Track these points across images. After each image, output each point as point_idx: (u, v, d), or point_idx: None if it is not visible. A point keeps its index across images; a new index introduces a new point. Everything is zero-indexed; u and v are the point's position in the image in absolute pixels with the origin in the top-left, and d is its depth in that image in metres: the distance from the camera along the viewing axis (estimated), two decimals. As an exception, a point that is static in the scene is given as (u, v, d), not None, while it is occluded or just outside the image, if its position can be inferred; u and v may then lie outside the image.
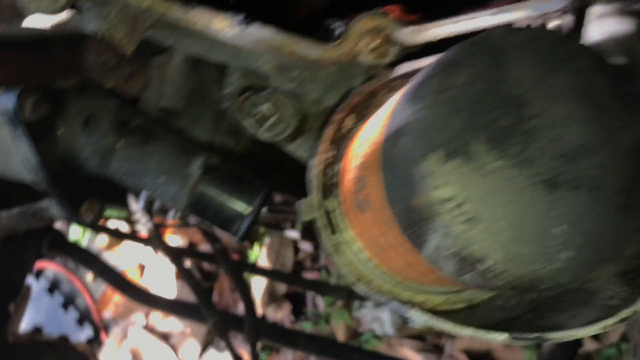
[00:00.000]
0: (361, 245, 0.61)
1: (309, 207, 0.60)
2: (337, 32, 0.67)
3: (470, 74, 0.41)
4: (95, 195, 0.82)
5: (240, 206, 0.77)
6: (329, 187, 0.62)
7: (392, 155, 0.44)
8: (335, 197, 0.62)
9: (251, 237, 3.10)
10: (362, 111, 0.63)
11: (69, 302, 3.24)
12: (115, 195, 0.86)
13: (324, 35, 0.67)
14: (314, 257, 3.00)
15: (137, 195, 1.17)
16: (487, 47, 0.42)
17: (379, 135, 0.48)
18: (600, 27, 0.71)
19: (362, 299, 2.00)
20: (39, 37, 0.47)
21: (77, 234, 3.22)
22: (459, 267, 0.42)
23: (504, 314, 0.59)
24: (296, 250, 3.03)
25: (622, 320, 0.49)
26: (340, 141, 0.63)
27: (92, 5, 0.61)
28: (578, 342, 0.94)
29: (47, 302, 3.19)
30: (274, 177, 0.88)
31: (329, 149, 0.62)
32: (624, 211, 0.40)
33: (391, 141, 0.44)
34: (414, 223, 0.43)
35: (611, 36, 0.70)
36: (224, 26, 0.61)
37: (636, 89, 0.43)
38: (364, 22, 0.63)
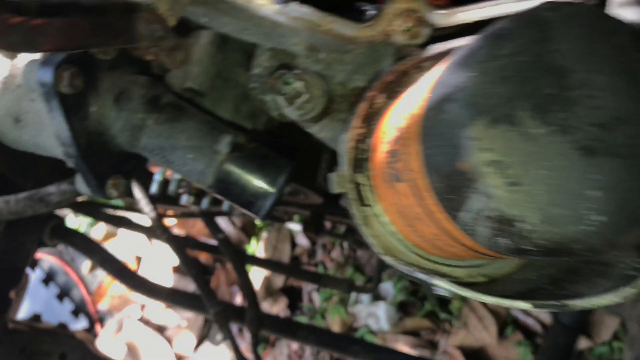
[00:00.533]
0: (389, 219, 0.64)
1: (340, 180, 0.62)
2: (368, 14, 0.69)
3: (517, 45, 0.44)
4: (121, 172, 0.84)
5: (265, 185, 0.79)
6: (360, 162, 0.65)
7: (436, 122, 0.47)
8: (365, 171, 0.64)
9: (249, 231, 3.11)
10: (394, 90, 0.65)
11: (64, 293, 3.23)
12: (138, 173, 0.87)
13: (355, 17, 0.70)
14: (311, 253, 3.03)
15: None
16: (534, 21, 0.44)
17: (419, 107, 0.51)
18: (625, 15, 0.74)
19: (362, 291, 2.01)
20: (97, 4, 0.49)
21: (74, 224, 3.22)
22: (495, 230, 0.45)
23: (524, 286, 0.62)
24: (293, 245, 3.05)
25: (641, 290, 0.52)
26: (371, 118, 0.66)
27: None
28: (580, 329, 0.97)
29: (42, 293, 3.18)
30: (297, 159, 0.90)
31: (361, 125, 0.65)
32: (658, 179, 0.43)
33: (436, 108, 0.47)
34: (455, 188, 0.46)
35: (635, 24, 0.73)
36: (265, 1, 0.63)
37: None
38: (398, 4, 0.66)
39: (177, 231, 3.10)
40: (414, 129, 0.51)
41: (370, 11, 0.69)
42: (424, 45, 0.67)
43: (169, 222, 3.02)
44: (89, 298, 3.17)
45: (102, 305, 3.12)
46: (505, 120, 0.42)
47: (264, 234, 3.05)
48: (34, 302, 3.13)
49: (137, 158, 0.85)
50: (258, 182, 0.79)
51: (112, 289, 3.15)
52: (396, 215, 0.62)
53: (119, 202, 2.12)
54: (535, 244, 0.44)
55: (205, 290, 1.81)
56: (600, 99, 0.43)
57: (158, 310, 3.05)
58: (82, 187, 0.83)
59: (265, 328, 1.87)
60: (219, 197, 0.81)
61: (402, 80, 0.65)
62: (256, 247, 3.03)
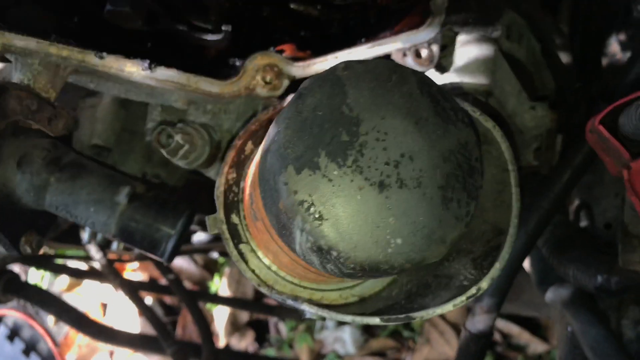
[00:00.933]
0: (262, 253, 0.71)
1: (213, 222, 0.69)
2: (236, 69, 0.77)
3: (315, 101, 0.51)
4: (33, 228, 0.89)
5: (165, 228, 0.85)
6: (234, 204, 0.72)
7: (262, 170, 0.54)
8: (239, 212, 0.71)
9: (211, 268, 3.15)
10: (259, 137, 0.73)
11: (30, 348, 3.20)
12: (51, 226, 0.93)
13: (230, 72, 0.78)
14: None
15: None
16: (330, 79, 0.52)
17: (257, 158, 0.58)
18: (466, 52, 0.83)
19: (314, 318, 2.07)
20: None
21: (36, 278, 3.22)
22: (319, 258, 0.52)
23: (385, 303, 0.69)
24: (256, 278, 3.08)
25: (468, 298, 0.59)
26: (242, 164, 0.73)
27: (18, 56, 0.70)
28: (488, 335, 1.04)
29: (7, 350, 3.15)
30: (203, 201, 0.97)
31: (231, 171, 0.72)
32: (443, 203, 0.51)
33: (262, 159, 0.54)
34: (283, 225, 0.53)
35: (474, 60, 0.82)
36: (134, 69, 0.70)
37: (451, 106, 0.54)
38: (258, 60, 0.74)
39: (140, 274, 3.11)
40: (256, 174, 0.58)
41: (240, 66, 0.77)
42: (284, 95, 0.75)
43: (132, 266, 3.04)
44: (56, 350, 3.15)
45: (70, 356, 3.10)
46: (307, 167, 0.50)
47: (227, 270, 3.08)
48: (-1, 360, 3.10)
49: (48, 214, 0.90)
50: (158, 227, 0.85)
51: (80, 338, 3.14)
52: (265, 250, 0.69)
53: (72, 251, 2.15)
54: (352, 267, 0.51)
55: (162, 331, 1.84)
56: (386, 141, 0.51)
57: (127, 356, 3.04)
58: (-4, 246, 0.88)
59: (223, 363, 1.91)
60: (125, 244, 0.87)
61: (267, 128, 0.73)
62: (219, 284, 3.07)
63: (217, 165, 0.83)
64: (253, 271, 0.70)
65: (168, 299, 3.16)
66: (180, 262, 3.09)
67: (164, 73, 0.71)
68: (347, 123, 0.51)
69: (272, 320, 2.98)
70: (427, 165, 0.51)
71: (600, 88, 1.03)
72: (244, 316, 2.99)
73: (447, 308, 0.60)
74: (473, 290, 0.59)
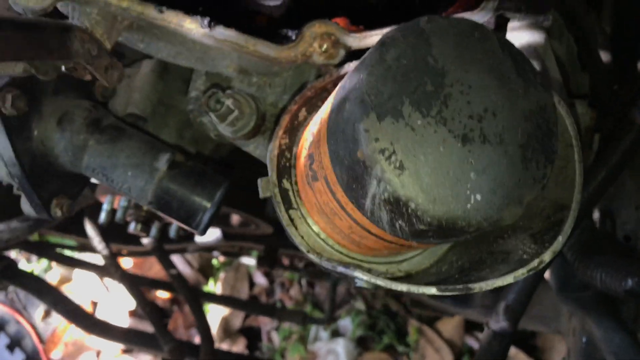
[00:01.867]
0: (313, 220, 0.69)
1: (266, 185, 0.68)
2: (290, 39, 0.76)
3: (400, 51, 0.51)
4: (65, 192, 0.88)
5: (202, 200, 0.84)
6: (286, 169, 0.70)
7: (337, 121, 0.53)
8: (291, 177, 0.70)
9: (206, 272, 3.11)
10: (313, 104, 0.72)
11: (15, 343, 3.13)
12: (81, 192, 0.91)
13: (281, 42, 0.77)
14: (269, 292, 3.03)
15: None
16: (415, 30, 0.52)
17: (326, 112, 0.57)
18: (517, 38, 0.84)
19: (316, 322, 2.04)
20: (34, 21, 0.54)
21: (27, 269, 3.16)
22: (392, 213, 0.51)
23: (436, 278, 0.67)
24: (251, 284, 3.06)
25: (529, 270, 0.58)
26: (295, 130, 0.72)
27: (76, 4, 0.69)
28: (511, 334, 1.03)
29: (-9, 344, 3.08)
30: (234, 178, 0.96)
31: (284, 136, 0.71)
32: (523, 163, 0.50)
33: (336, 109, 0.53)
34: (357, 177, 0.52)
35: (526, 46, 0.83)
36: (193, 26, 0.69)
37: (531, 69, 0.53)
38: (316, 27, 0.73)
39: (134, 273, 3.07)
40: (323, 131, 0.57)
41: (292, 37, 0.76)
42: (340, 64, 0.74)
43: (126, 264, 2.99)
44: (42, 347, 3.07)
45: (56, 354, 3.03)
46: (390, 114, 0.49)
47: (222, 274, 3.05)
48: (-18, 354, 3.02)
49: (81, 179, 0.89)
50: (195, 198, 0.83)
51: (67, 336, 3.07)
52: (318, 215, 0.67)
53: (71, 241, 2.11)
54: (427, 222, 0.50)
55: (160, 328, 1.81)
56: (470, 94, 0.50)
57: (114, 356, 2.98)
58: (26, 207, 0.86)
59: (220, 364, 1.87)
60: (159, 213, 0.85)
61: (321, 96, 0.72)
62: (214, 288, 3.03)
63: (259, 138, 0.82)
64: (302, 237, 0.68)
65: (160, 301, 3.11)
66: (175, 263, 3.05)
67: (222, 32, 0.70)
68: (432, 73, 0.50)
69: (265, 328, 2.94)
70: (510, 123, 0.50)
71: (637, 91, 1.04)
72: (237, 322, 2.95)
73: (508, 280, 0.58)
74: (535, 263, 0.58)
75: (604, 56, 0.99)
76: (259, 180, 0.68)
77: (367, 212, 0.53)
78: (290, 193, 0.70)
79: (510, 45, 0.54)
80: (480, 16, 0.79)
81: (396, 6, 0.83)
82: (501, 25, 0.86)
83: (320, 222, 0.67)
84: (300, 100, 0.71)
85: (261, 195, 0.68)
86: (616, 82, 1.00)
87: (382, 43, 0.51)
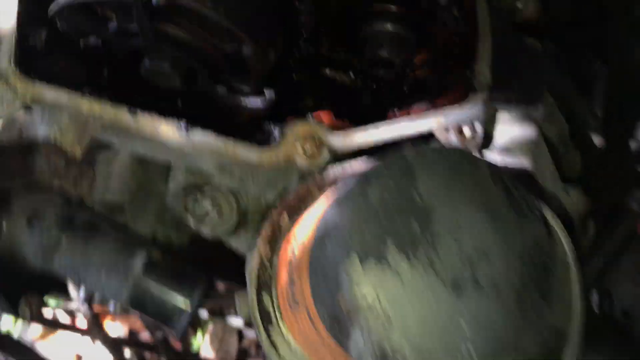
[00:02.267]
0: (294, 340, 0.64)
1: (244, 303, 0.63)
2: (275, 135, 0.73)
3: (385, 187, 0.47)
4: (34, 289, 0.83)
5: (181, 301, 0.79)
6: (266, 283, 0.66)
7: (318, 257, 0.49)
8: (272, 291, 0.66)
9: (194, 325, 3.03)
10: (296, 212, 0.68)
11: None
12: (55, 287, 0.86)
13: (264, 137, 0.74)
14: (259, 344, 2.95)
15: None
16: (401, 165, 0.48)
17: (308, 239, 0.54)
18: (508, 131, 0.81)
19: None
20: (-7, 145, 0.51)
21: (8, 324, 3.06)
22: (379, 360, 0.47)
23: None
24: (241, 337, 2.97)
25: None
26: (276, 239, 0.68)
27: (44, 109, 0.65)
28: None
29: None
30: (216, 266, 0.91)
31: (266, 247, 0.67)
32: (518, 307, 0.46)
33: (318, 245, 0.50)
34: (338, 320, 0.48)
35: (516, 140, 0.80)
36: (169, 131, 0.66)
37: (523, 197, 0.50)
38: (298, 128, 0.70)
39: (120, 325, 2.98)
40: (304, 260, 0.53)
41: (276, 132, 0.73)
42: (325, 166, 0.71)
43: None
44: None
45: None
46: (373, 257, 0.45)
47: (210, 327, 2.97)
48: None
49: (51, 275, 0.84)
50: (173, 299, 0.79)
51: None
52: (301, 338, 0.63)
53: (52, 302, 2.05)
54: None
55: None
56: (460, 233, 0.46)
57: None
58: (-7, 305, 0.81)
59: None
60: (136, 312, 0.80)
61: (303, 203, 0.68)
62: (202, 341, 2.94)
63: (241, 233, 0.78)
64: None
65: (147, 355, 3.02)
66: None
67: (200, 137, 0.66)
68: (417, 211, 0.47)
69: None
70: (504, 266, 0.47)
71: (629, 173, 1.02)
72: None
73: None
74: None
75: (596, 140, 0.96)
76: (235, 297, 0.63)
77: (354, 354, 0.49)
78: (271, 308, 0.65)
79: (501, 174, 0.50)
80: (470, 109, 0.77)
81: (382, 98, 0.80)
82: (491, 116, 0.83)
83: (304, 346, 0.63)
84: (281, 207, 0.68)
85: (239, 314, 0.63)
86: (608, 165, 0.97)
87: (365, 178, 0.48)
